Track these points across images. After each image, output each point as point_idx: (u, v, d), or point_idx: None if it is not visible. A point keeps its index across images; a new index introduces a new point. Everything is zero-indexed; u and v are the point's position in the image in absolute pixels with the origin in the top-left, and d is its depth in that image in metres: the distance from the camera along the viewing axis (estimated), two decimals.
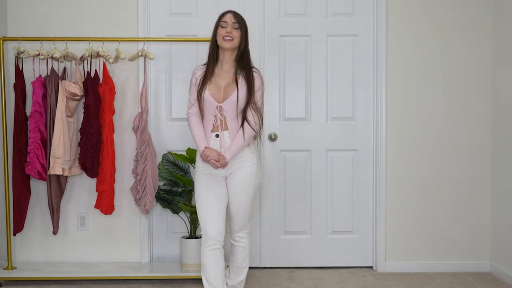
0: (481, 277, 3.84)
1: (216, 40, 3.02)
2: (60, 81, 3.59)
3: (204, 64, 3.11)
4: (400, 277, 3.83)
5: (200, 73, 3.06)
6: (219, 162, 2.91)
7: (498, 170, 3.87)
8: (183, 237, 3.78)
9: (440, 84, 3.93)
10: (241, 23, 3.00)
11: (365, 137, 4.01)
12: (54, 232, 3.73)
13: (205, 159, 2.93)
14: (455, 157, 3.95)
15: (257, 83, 3.03)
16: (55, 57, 3.58)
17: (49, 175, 3.61)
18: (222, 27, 2.99)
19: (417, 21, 3.91)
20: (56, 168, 3.54)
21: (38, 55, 3.59)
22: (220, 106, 2.98)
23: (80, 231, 3.93)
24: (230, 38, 2.97)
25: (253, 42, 3.77)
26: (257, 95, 3.03)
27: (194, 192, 3.71)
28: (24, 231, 3.87)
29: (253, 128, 2.99)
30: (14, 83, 3.65)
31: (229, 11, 3.03)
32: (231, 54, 3.04)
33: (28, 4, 3.86)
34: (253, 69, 3.05)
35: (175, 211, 3.80)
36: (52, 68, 3.63)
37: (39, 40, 3.65)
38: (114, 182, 3.73)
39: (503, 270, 3.77)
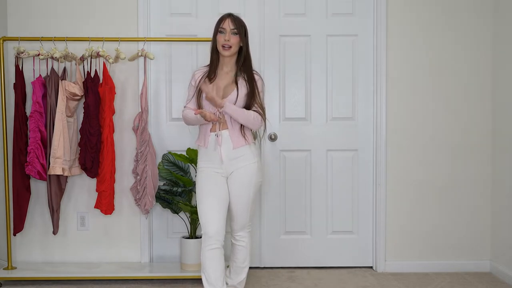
0: (481, 277, 3.84)
1: (216, 45, 3.05)
2: (60, 81, 3.59)
3: (205, 66, 3.14)
4: (400, 277, 3.83)
5: (199, 75, 3.09)
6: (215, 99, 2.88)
7: (498, 169, 3.87)
8: (183, 237, 3.78)
9: (440, 84, 3.93)
10: (239, 27, 3.01)
11: (365, 137, 4.01)
12: (54, 232, 3.73)
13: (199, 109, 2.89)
14: (455, 157, 3.95)
15: (259, 84, 3.07)
16: (55, 57, 3.58)
17: (49, 175, 3.61)
18: (220, 33, 3.01)
19: (417, 21, 3.91)
20: (56, 168, 3.54)
21: (38, 55, 3.59)
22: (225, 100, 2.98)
23: (80, 231, 3.93)
24: (229, 46, 2.99)
25: (253, 42, 3.77)
26: (261, 96, 3.06)
27: (194, 192, 3.72)
28: (24, 231, 3.87)
29: (260, 115, 3.00)
30: (14, 83, 3.65)
31: (228, 16, 3.03)
32: (231, 58, 3.07)
33: (28, 4, 3.86)
34: (254, 72, 3.08)
35: (175, 211, 3.80)
36: (52, 68, 3.63)
37: (39, 40, 3.65)
38: (114, 182, 3.73)
39: (503, 270, 3.77)
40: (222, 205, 2.99)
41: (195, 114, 2.92)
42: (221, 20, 3.03)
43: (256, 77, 3.07)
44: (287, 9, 3.96)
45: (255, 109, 3.02)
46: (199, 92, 3.03)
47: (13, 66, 3.78)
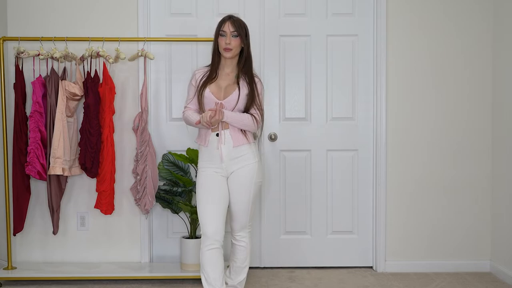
0: (481, 277, 3.84)
1: (217, 47, 3.08)
2: (60, 81, 3.59)
3: (205, 66, 3.17)
4: (400, 277, 3.83)
5: (200, 74, 3.11)
6: (215, 113, 2.91)
7: (498, 170, 3.87)
8: (183, 237, 3.78)
9: (440, 84, 3.93)
10: (240, 30, 3.03)
11: (365, 137, 4.01)
12: (54, 232, 3.73)
13: (206, 121, 2.92)
14: (455, 157, 3.95)
15: (259, 86, 3.10)
16: (55, 57, 3.58)
17: (49, 175, 3.61)
18: (221, 36, 3.04)
19: (417, 21, 3.91)
20: (56, 168, 3.54)
21: (38, 55, 3.59)
22: (221, 103, 3.00)
23: (80, 231, 3.93)
24: (230, 49, 3.02)
25: (253, 42, 3.77)
26: (260, 97, 3.09)
27: (194, 192, 3.72)
28: (24, 231, 3.87)
29: (255, 119, 3.02)
30: (14, 83, 3.65)
31: (228, 18, 3.05)
32: (232, 60, 3.09)
33: (28, 4, 3.86)
34: (254, 74, 3.12)
35: (175, 211, 3.80)
36: (52, 68, 3.63)
37: (39, 40, 3.65)
38: (114, 182, 3.73)
39: (503, 270, 3.77)
40: (221, 205, 3.00)
41: (196, 124, 3.02)
42: (222, 22, 3.05)
43: (255, 79, 3.10)
44: (287, 9, 3.96)
45: (253, 111, 3.04)
46: (200, 93, 3.04)
47: (13, 66, 3.78)
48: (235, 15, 3.11)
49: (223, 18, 3.07)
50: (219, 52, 3.08)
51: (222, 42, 3.02)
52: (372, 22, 3.96)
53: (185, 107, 3.14)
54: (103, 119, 3.64)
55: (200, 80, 3.08)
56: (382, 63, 3.90)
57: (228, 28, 3.02)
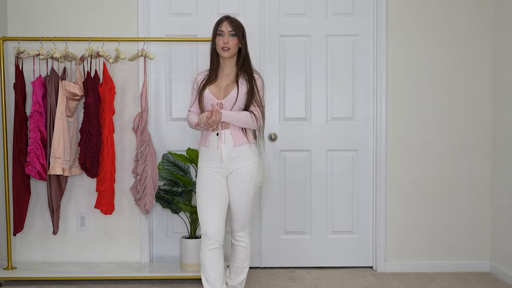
0: (481, 277, 3.84)
1: (215, 48, 3.09)
2: (60, 81, 3.59)
3: (207, 70, 3.19)
4: (400, 277, 3.83)
5: (201, 78, 3.15)
6: (212, 114, 2.91)
7: (498, 170, 3.87)
8: (183, 237, 3.78)
9: (440, 84, 3.93)
10: (237, 29, 3.05)
11: (365, 137, 4.01)
12: (54, 232, 3.73)
13: (203, 122, 2.93)
14: (455, 157, 3.95)
15: (258, 83, 3.11)
16: (55, 57, 3.58)
17: (49, 175, 3.61)
18: (219, 35, 3.06)
19: (417, 21, 3.91)
20: (56, 168, 3.54)
21: (38, 55, 3.59)
22: (220, 102, 3.01)
23: (80, 231, 3.93)
24: (228, 48, 3.04)
25: (253, 42, 3.78)
26: (260, 94, 3.10)
27: (194, 192, 3.72)
28: (24, 231, 3.87)
29: (255, 116, 3.03)
30: (14, 83, 3.65)
31: (225, 18, 3.08)
32: (230, 60, 3.11)
33: (28, 4, 3.86)
34: (254, 71, 3.13)
35: (175, 211, 3.80)
36: (52, 68, 3.63)
37: (39, 40, 3.65)
38: (114, 182, 3.73)
39: (503, 270, 3.77)
40: (221, 205, 3.00)
41: (194, 126, 3.07)
42: (219, 23, 3.07)
43: (255, 76, 3.11)
44: (287, 9, 3.96)
45: (252, 108, 3.05)
46: (200, 96, 3.06)
47: (13, 66, 3.78)
48: (234, 16, 3.13)
49: (220, 19, 3.09)
50: (217, 53, 3.09)
51: (220, 41, 3.04)
52: (372, 22, 3.96)
53: (189, 110, 3.16)
54: (103, 119, 3.64)
55: (201, 83, 3.11)
56: (382, 63, 3.90)
57: (226, 27, 3.03)
